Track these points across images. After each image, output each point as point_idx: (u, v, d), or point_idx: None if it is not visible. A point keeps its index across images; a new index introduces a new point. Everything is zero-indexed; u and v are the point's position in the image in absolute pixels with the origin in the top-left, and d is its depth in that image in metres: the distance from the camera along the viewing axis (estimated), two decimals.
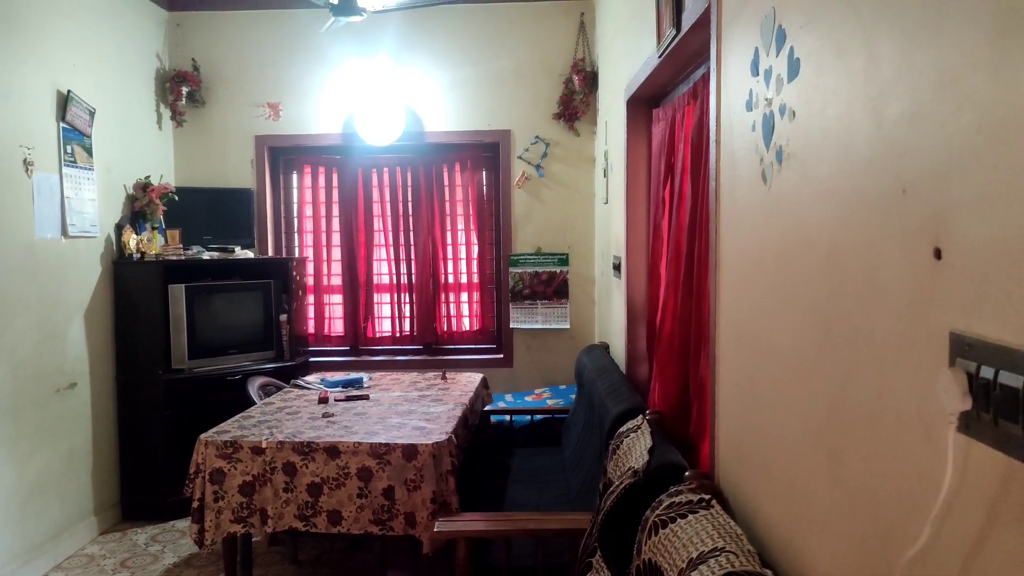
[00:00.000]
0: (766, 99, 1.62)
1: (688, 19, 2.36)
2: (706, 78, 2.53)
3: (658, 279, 3.31)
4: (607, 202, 4.54)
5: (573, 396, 4.47)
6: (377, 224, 5.54)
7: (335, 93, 5.36)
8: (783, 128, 1.52)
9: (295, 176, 5.59)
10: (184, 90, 5.21)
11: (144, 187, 4.75)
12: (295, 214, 5.61)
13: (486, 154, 5.43)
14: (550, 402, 4.76)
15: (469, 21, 5.23)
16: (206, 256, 4.87)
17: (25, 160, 3.69)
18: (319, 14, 5.08)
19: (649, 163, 3.65)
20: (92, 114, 4.26)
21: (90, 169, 4.25)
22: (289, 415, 3.52)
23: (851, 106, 1.22)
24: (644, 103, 3.59)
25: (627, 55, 3.67)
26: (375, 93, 5.28)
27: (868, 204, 1.16)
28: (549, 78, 5.26)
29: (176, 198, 4.89)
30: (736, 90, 1.86)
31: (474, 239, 5.51)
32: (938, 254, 0.96)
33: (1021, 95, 0.80)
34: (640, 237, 3.70)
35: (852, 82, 1.21)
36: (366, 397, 3.90)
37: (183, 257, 4.76)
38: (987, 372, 0.83)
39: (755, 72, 1.70)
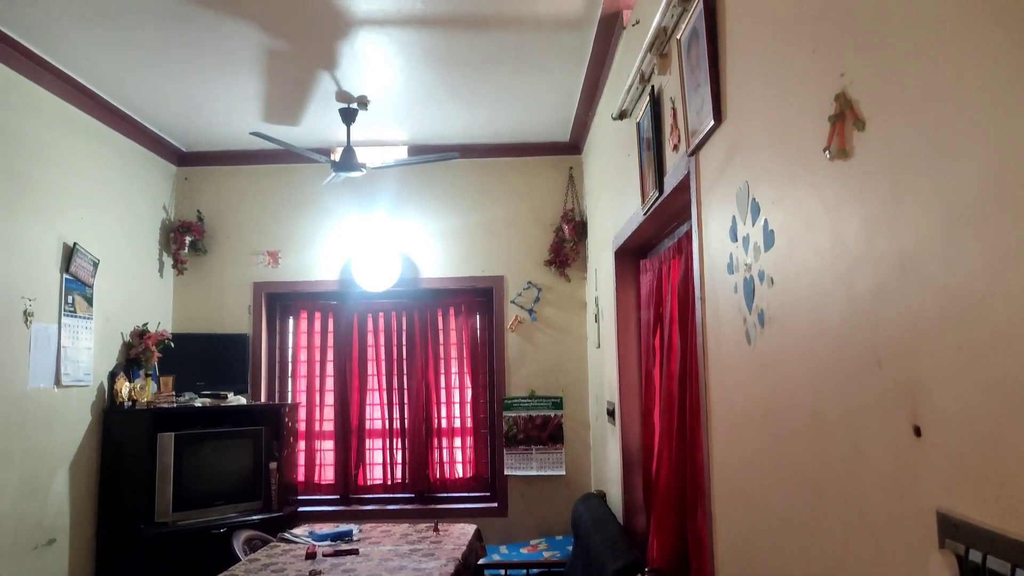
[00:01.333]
0: (746, 264, 1.70)
1: (670, 183, 2.50)
2: (689, 235, 2.65)
3: (652, 427, 3.29)
4: (599, 347, 4.59)
5: (570, 548, 4.31)
6: (371, 368, 5.55)
7: (333, 242, 5.53)
8: (763, 292, 1.59)
9: (291, 321, 5.66)
10: (187, 239, 5.38)
11: (141, 334, 4.79)
12: (290, 359, 5.64)
13: (480, 299, 5.55)
14: (546, 555, 4.58)
15: (463, 174, 5.50)
16: (198, 403, 4.84)
17: (25, 311, 3.75)
18: (320, 168, 5.34)
19: (639, 311, 3.73)
20: (96, 265, 4.38)
21: (89, 319, 4.31)
22: (274, 573, 3.38)
23: (822, 277, 1.28)
24: (631, 254, 3.73)
25: (613, 209, 3.85)
26: (372, 242, 5.46)
27: (847, 373, 1.19)
28: (540, 227, 5.47)
29: (172, 344, 4.93)
30: (717, 252, 1.94)
31: (468, 382, 5.52)
32: (917, 431, 0.98)
33: (976, 283, 0.86)
34: (633, 383, 3.72)
35: (821, 257, 1.29)
36: (355, 552, 3.76)
37: (174, 404, 4.73)
38: (975, 556, 0.83)
39: (734, 238, 1.79)
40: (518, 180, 5.52)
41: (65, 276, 4.09)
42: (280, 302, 5.64)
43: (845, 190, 1.19)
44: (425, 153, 5.27)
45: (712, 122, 1.92)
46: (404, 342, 5.55)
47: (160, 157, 5.31)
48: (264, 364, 5.46)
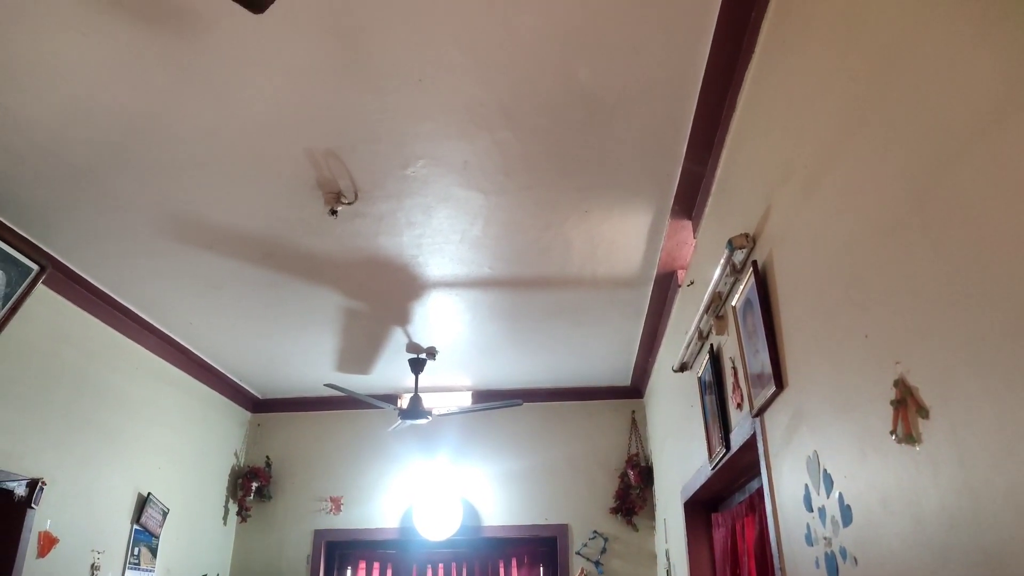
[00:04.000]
0: (825, 537, 1.65)
1: (736, 440, 2.50)
2: (761, 492, 2.58)
3: None
4: None
5: None
6: None
7: (396, 488, 5.52)
8: (848, 573, 1.52)
9: (349, 571, 5.49)
10: (254, 485, 5.45)
11: None
12: None
13: (543, 548, 5.32)
14: None
15: (526, 418, 5.56)
16: None
17: (93, 564, 3.77)
18: (386, 414, 5.49)
19: (713, 568, 3.52)
20: (165, 515, 4.44)
21: (151, 571, 4.28)
22: None
23: (909, 565, 1.24)
24: (702, 506, 3.60)
25: (680, 458, 3.80)
26: (434, 488, 5.42)
27: None
28: (604, 472, 5.37)
29: None
30: (793, 520, 1.89)
31: None
32: None
33: None
34: None
35: (904, 542, 1.25)
36: None
37: None
38: None
39: (809, 508, 1.75)
40: (580, 424, 5.54)
41: (135, 527, 4.15)
42: (339, 551, 5.52)
43: (919, 476, 1.19)
44: (489, 398, 5.40)
45: (774, 388, 1.97)
46: None
47: (236, 404, 5.57)
48: None
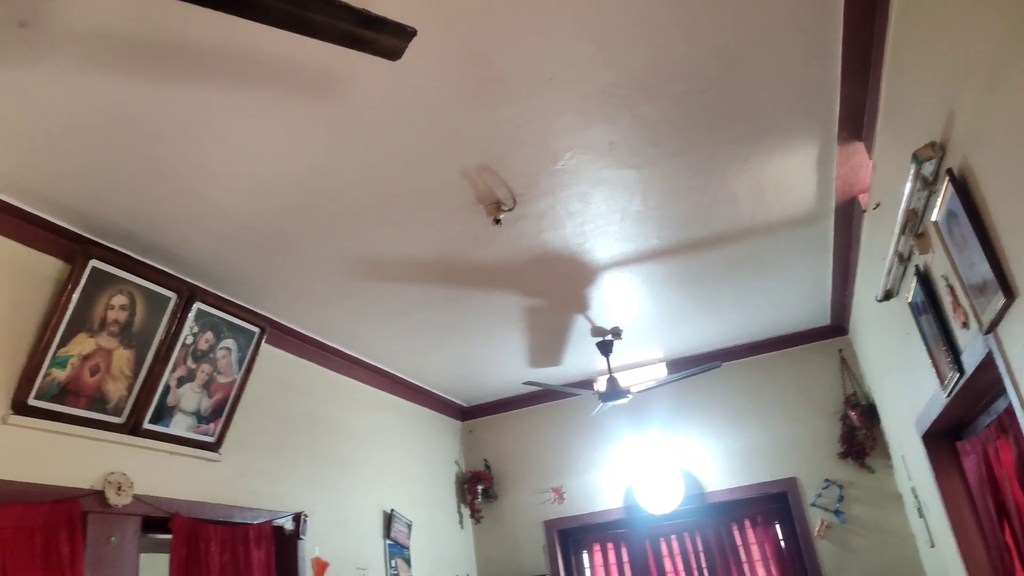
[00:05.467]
0: None
1: (969, 362, 2.30)
2: (1011, 411, 2.36)
3: None
4: (933, 546, 3.98)
5: None
6: None
7: (612, 469, 5.60)
8: None
9: (585, 555, 5.64)
10: (479, 488, 5.76)
11: None
12: None
13: (774, 505, 5.17)
14: None
15: (728, 379, 5.42)
16: None
17: None
18: (587, 400, 5.58)
19: (971, 498, 3.25)
20: (410, 527, 4.82)
21: None
22: None
23: None
24: (943, 436, 3.33)
25: (905, 390, 3.54)
26: (650, 463, 5.43)
27: None
28: (823, 417, 5.11)
29: None
30: None
31: None
32: None
33: None
34: None
35: None
36: None
37: None
38: None
39: None
40: (787, 373, 5.32)
41: (388, 542, 4.54)
42: (571, 537, 5.69)
43: None
44: (685, 366, 5.34)
45: (1003, 299, 1.79)
46: (704, 564, 5.24)
47: (447, 415, 5.92)
48: None
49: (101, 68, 2.06)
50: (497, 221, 3.13)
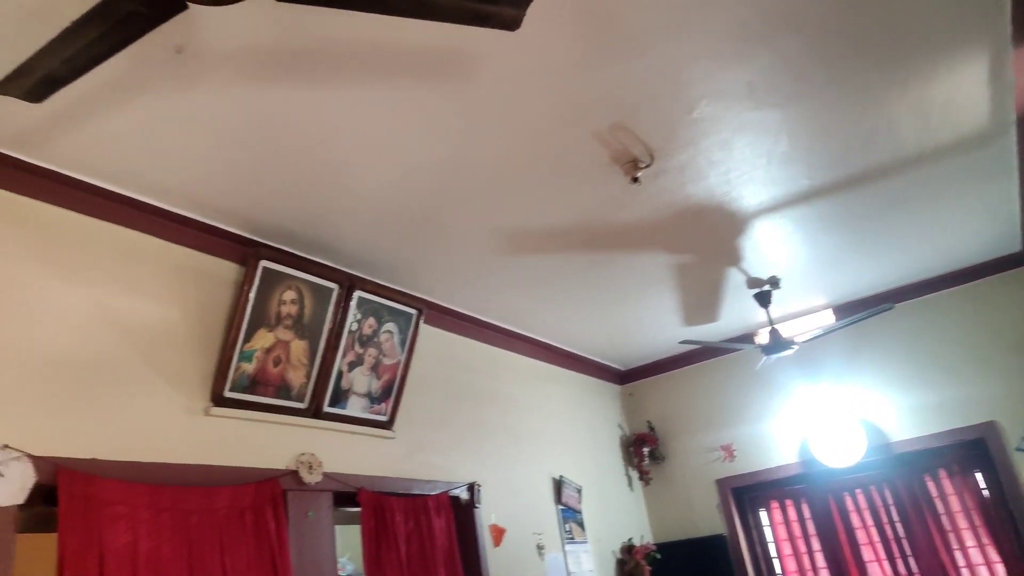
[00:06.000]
0: None
1: None
2: None
3: None
4: None
5: None
6: (867, 553, 4.98)
7: (784, 423, 5.38)
8: None
9: (763, 513, 5.48)
10: (645, 450, 5.74)
11: (628, 549, 5.10)
12: (773, 554, 5.38)
13: (972, 453, 4.74)
14: None
15: (902, 321, 5.01)
16: None
17: (537, 545, 4.31)
18: (750, 354, 5.37)
19: None
20: (580, 491, 4.90)
21: (584, 542, 4.76)
22: None
23: None
24: None
25: None
26: (826, 414, 5.16)
27: None
28: (1018, 354, 4.61)
29: (658, 556, 5.12)
30: None
31: (994, 556, 4.58)
32: None
33: None
34: None
35: None
36: None
37: None
38: None
39: None
40: (971, 309, 4.85)
41: (559, 507, 4.65)
42: (747, 495, 5.54)
43: None
44: (853, 310, 5.01)
45: None
46: (896, 518, 4.93)
47: (606, 380, 5.93)
48: (748, 563, 5.29)
49: (250, 81, 2.22)
50: (635, 180, 3.06)
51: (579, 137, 2.78)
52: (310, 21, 2.02)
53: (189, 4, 1.48)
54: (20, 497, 2.10)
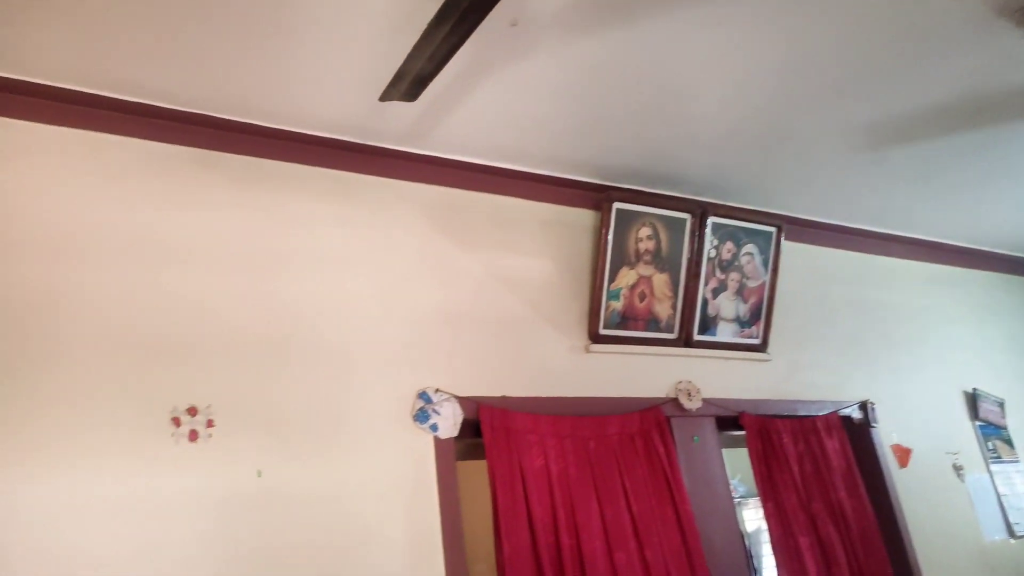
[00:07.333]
0: None
1: None
2: None
3: None
4: None
5: None
6: None
7: None
8: None
9: None
10: None
11: None
12: None
13: None
14: None
15: None
16: None
17: (954, 465, 3.86)
18: None
19: None
20: (1002, 405, 4.24)
21: (1015, 461, 4.12)
22: None
23: None
24: None
25: None
26: None
27: None
28: None
29: None
30: None
31: None
32: None
33: None
34: None
35: None
36: None
37: None
38: None
39: None
40: None
41: (976, 423, 4.09)
42: None
43: None
44: None
45: None
46: None
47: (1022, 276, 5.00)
48: None
49: (578, 36, 2.33)
50: None
51: None
52: None
53: None
54: (454, 431, 2.56)
